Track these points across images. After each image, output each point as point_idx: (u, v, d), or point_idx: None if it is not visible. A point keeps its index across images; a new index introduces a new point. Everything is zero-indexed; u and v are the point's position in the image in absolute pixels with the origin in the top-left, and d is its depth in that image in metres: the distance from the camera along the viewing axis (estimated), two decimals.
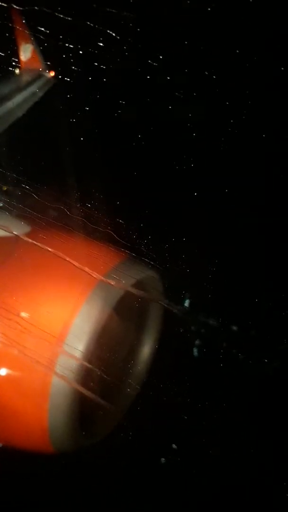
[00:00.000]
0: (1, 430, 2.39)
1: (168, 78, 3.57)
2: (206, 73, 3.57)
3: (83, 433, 2.42)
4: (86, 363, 2.22)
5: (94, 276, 2.38)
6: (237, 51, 3.56)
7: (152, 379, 2.85)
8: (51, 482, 2.94)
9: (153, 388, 2.82)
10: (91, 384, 2.29)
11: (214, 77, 3.58)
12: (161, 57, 3.54)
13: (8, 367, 2.26)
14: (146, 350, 2.92)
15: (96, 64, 3.58)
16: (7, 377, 2.26)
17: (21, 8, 3.79)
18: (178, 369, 3.18)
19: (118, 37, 3.36)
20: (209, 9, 3.44)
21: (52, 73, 4.70)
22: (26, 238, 2.54)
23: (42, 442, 2.32)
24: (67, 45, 3.52)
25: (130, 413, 2.73)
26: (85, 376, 2.24)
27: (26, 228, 2.58)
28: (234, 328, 3.30)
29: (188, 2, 3.52)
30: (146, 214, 3.29)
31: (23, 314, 2.24)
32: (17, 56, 4.81)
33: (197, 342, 3.29)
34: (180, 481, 2.92)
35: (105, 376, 2.47)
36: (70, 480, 2.98)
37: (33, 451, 2.43)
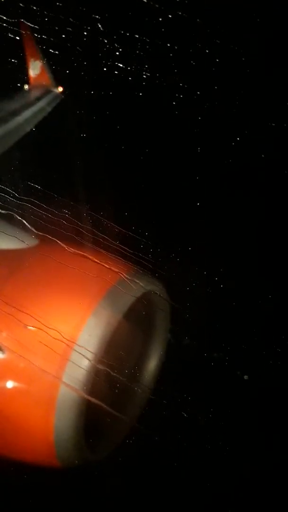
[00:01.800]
0: (6, 443, 2.37)
1: (176, 93, 3.64)
2: (213, 87, 3.64)
3: (89, 447, 2.40)
4: (94, 373, 2.21)
5: (102, 287, 2.39)
6: (240, 62, 3.64)
7: (160, 389, 2.84)
8: (55, 496, 2.91)
9: (160, 398, 2.80)
10: (99, 394, 2.28)
11: (221, 89, 3.65)
12: (169, 73, 3.61)
13: (16, 378, 2.25)
14: (153, 360, 2.91)
15: (104, 79, 3.65)
16: (14, 389, 2.26)
17: (30, 25, 3.88)
18: (185, 378, 3.16)
19: (127, 52, 3.44)
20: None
21: (61, 89, 4.80)
22: (36, 250, 2.57)
23: (47, 456, 2.30)
24: (75, 61, 3.60)
25: (138, 423, 2.71)
26: (93, 386, 2.23)
27: (36, 240, 2.61)
28: (239, 337, 3.29)
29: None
30: (154, 226, 3.32)
31: (32, 325, 2.25)
32: (26, 72, 4.92)
33: (203, 352, 3.28)
34: (187, 491, 2.88)
35: (113, 386, 2.46)
36: (75, 494, 2.95)
37: (39, 465, 2.41)
